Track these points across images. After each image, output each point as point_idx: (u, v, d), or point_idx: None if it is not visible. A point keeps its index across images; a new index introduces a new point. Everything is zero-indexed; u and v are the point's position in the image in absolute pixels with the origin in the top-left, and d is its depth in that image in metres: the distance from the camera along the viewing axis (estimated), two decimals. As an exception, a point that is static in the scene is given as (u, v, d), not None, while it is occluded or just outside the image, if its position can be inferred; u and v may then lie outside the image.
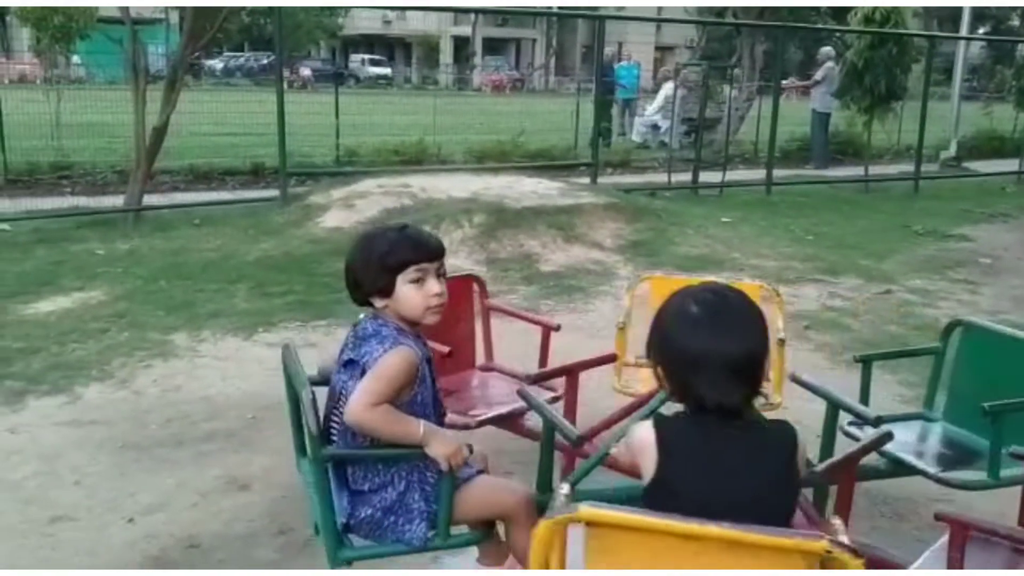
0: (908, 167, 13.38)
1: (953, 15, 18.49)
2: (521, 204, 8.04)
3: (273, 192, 9.57)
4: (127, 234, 7.94)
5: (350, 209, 8.03)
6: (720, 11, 17.44)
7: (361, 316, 2.32)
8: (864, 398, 3.16)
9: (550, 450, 2.47)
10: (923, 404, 3.36)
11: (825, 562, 1.47)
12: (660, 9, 28.45)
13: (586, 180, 10.54)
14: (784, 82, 14.74)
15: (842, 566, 1.45)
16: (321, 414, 2.25)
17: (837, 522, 1.66)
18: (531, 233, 7.58)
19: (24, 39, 15.42)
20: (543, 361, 3.49)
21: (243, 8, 12.09)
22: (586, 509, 1.52)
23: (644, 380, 3.45)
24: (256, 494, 3.51)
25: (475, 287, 3.69)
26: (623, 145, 15.17)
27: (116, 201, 8.98)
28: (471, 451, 2.30)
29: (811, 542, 1.46)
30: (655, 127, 15.83)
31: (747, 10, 15.45)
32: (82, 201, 9.23)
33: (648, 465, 1.70)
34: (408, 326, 2.28)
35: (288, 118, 9.31)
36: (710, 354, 1.68)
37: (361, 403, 2.13)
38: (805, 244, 8.57)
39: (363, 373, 2.19)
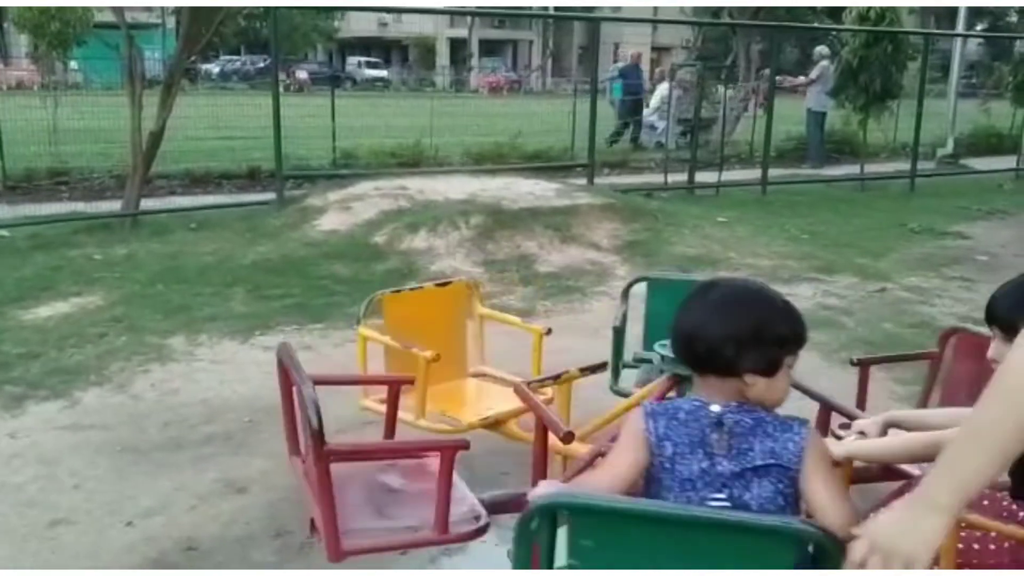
0: (904, 165, 13.39)
1: (950, 11, 18.48)
2: (518, 205, 8.06)
3: (270, 195, 9.57)
4: (124, 239, 7.95)
5: (347, 212, 8.05)
6: (716, 11, 17.46)
7: (714, 408, 1.78)
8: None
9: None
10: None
11: None
12: (656, 10, 28.44)
13: (583, 181, 10.56)
14: (782, 80, 14.73)
15: None
16: None
17: None
18: (528, 234, 7.59)
19: (22, 46, 15.48)
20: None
21: (240, 11, 12.08)
22: None
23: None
24: (254, 497, 3.54)
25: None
26: (620, 146, 15.18)
27: (113, 206, 8.99)
28: None
29: None
30: (651, 127, 15.85)
31: (743, 10, 15.47)
32: (80, 206, 9.23)
33: None
34: None
35: (284, 121, 9.31)
36: None
37: (847, 508, 1.73)
38: (801, 243, 8.59)
39: (777, 473, 1.75)
